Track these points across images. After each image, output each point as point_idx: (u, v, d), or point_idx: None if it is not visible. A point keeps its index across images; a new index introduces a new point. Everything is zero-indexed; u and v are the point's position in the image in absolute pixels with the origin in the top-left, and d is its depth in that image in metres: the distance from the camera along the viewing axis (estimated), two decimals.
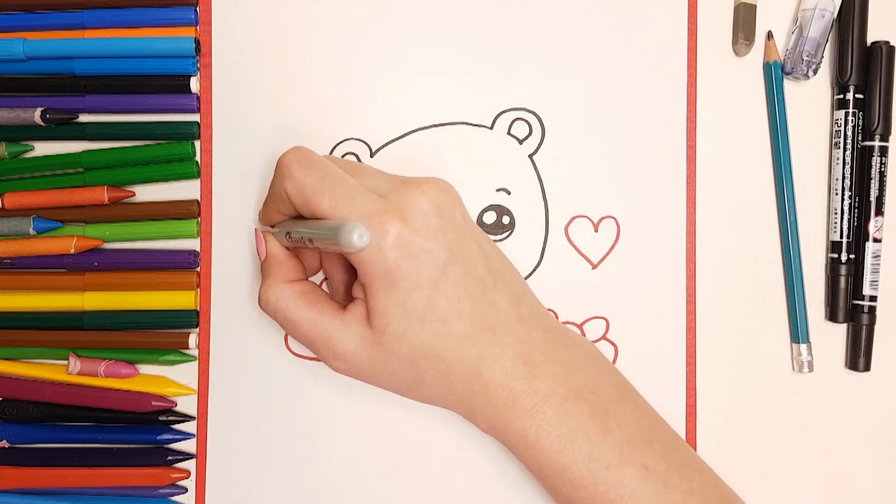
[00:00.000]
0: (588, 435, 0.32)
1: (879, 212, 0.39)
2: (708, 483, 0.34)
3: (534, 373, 0.32)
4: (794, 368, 0.39)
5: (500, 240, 0.39)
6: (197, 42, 0.39)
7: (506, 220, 0.39)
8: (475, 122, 0.39)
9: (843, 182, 0.39)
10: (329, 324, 0.33)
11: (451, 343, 0.32)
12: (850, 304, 0.39)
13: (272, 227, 0.36)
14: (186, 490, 0.40)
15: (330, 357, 0.33)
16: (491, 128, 0.39)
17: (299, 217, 0.34)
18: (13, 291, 0.40)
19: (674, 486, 0.32)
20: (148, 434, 0.39)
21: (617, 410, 0.33)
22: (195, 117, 0.40)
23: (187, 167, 0.40)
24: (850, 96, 0.39)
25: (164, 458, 0.39)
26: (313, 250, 0.36)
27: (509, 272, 0.35)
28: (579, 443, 0.32)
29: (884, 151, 0.39)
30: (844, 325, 0.39)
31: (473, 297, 0.32)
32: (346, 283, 0.37)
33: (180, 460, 0.40)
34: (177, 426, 0.40)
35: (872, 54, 0.39)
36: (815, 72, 0.39)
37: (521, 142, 0.39)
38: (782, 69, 0.39)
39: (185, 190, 0.40)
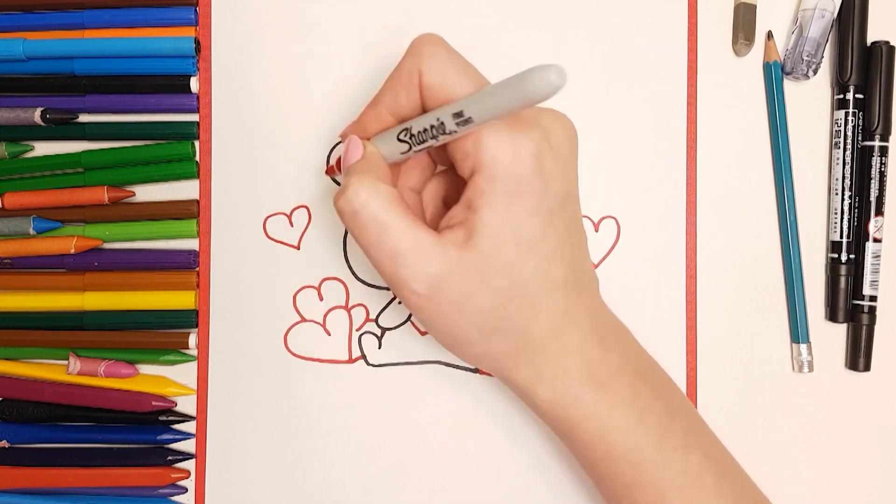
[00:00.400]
0: (658, 415, 0.30)
1: (879, 212, 0.39)
2: (749, 481, 0.33)
3: (606, 345, 0.30)
4: (794, 368, 0.39)
5: None
6: (197, 42, 0.39)
7: None
8: None
9: (843, 182, 0.39)
10: (424, 238, 0.28)
11: (546, 287, 0.29)
12: (850, 304, 0.39)
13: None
14: (186, 490, 0.40)
15: (415, 278, 0.28)
16: None
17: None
18: (13, 291, 0.40)
19: (731, 477, 0.31)
20: (148, 434, 0.39)
21: (673, 396, 0.32)
22: (195, 117, 0.40)
23: (187, 167, 0.40)
24: (850, 96, 0.39)
25: (164, 458, 0.39)
26: (391, 171, 0.31)
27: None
28: (651, 423, 0.30)
29: (884, 151, 0.39)
30: (844, 325, 0.39)
31: (574, 245, 0.30)
32: (418, 213, 0.33)
33: (180, 460, 0.40)
34: (177, 426, 0.40)
35: (872, 54, 0.39)
36: (815, 72, 0.39)
37: None
38: (782, 69, 0.39)
39: (185, 190, 0.40)
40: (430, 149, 0.30)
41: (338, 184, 0.39)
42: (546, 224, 0.28)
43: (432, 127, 0.28)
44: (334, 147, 0.40)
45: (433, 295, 0.28)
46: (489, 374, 0.39)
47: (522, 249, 0.28)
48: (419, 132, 0.29)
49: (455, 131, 0.27)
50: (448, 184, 0.33)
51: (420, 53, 0.29)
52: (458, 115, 0.27)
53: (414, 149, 0.29)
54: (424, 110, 0.30)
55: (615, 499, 0.32)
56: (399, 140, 0.29)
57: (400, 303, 0.39)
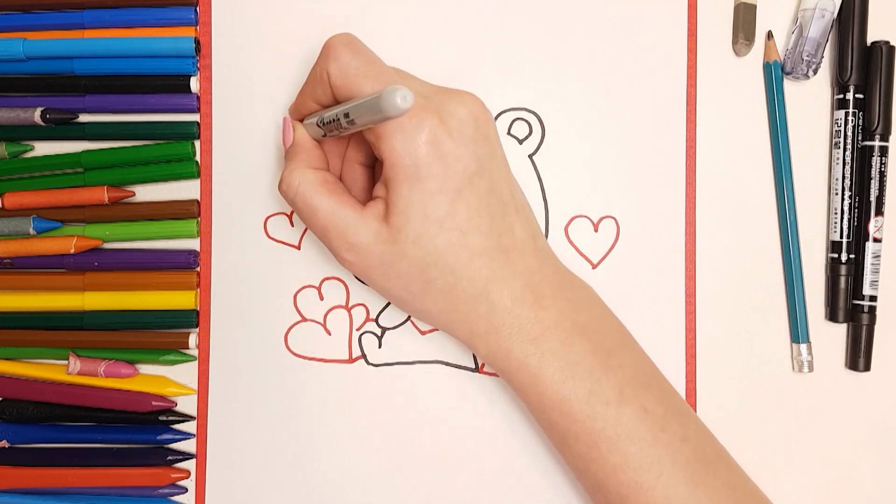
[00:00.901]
0: (589, 369, 0.32)
1: (879, 212, 0.39)
2: (703, 434, 0.34)
3: (541, 304, 0.33)
4: (794, 368, 0.39)
5: None
6: (197, 42, 0.39)
7: None
8: None
9: (843, 182, 0.39)
10: (347, 214, 0.32)
11: (464, 255, 0.32)
12: (850, 304, 0.39)
13: (301, 120, 0.36)
14: (186, 490, 0.40)
15: (342, 248, 0.33)
16: None
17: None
18: (13, 291, 0.40)
19: (671, 431, 0.32)
20: (148, 434, 0.39)
21: (618, 352, 0.33)
22: (195, 117, 0.40)
23: (187, 167, 0.40)
24: (850, 96, 0.39)
25: (164, 458, 0.39)
26: (338, 145, 0.36)
27: (528, 207, 0.35)
28: (581, 376, 0.32)
29: (884, 151, 0.39)
30: (844, 325, 0.39)
31: (494, 216, 0.32)
32: (366, 185, 0.37)
33: (180, 460, 0.40)
34: (177, 426, 0.40)
35: (872, 54, 0.39)
36: (815, 72, 0.39)
37: (521, 142, 0.39)
38: (782, 69, 0.39)
39: (185, 190, 0.40)
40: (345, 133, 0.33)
41: None
42: (454, 200, 0.31)
43: (334, 121, 0.32)
44: None
45: (364, 259, 0.32)
46: (489, 374, 0.39)
47: (432, 225, 0.31)
48: (327, 122, 0.33)
49: (350, 126, 0.31)
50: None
51: (327, 56, 0.32)
52: (346, 115, 0.31)
53: (329, 134, 0.34)
54: (339, 101, 0.33)
55: (556, 446, 0.34)
56: (317, 126, 0.34)
57: None
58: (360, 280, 0.39)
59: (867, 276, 0.39)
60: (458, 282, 0.32)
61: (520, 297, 0.32)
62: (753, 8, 0.39)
